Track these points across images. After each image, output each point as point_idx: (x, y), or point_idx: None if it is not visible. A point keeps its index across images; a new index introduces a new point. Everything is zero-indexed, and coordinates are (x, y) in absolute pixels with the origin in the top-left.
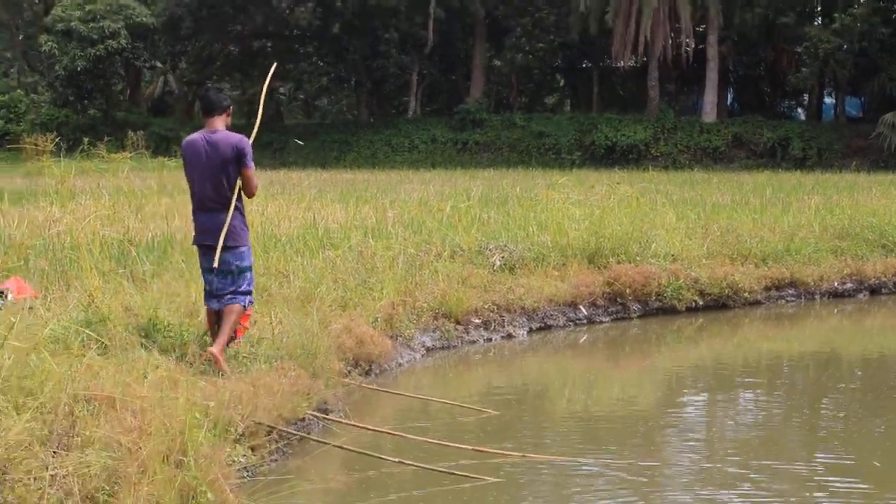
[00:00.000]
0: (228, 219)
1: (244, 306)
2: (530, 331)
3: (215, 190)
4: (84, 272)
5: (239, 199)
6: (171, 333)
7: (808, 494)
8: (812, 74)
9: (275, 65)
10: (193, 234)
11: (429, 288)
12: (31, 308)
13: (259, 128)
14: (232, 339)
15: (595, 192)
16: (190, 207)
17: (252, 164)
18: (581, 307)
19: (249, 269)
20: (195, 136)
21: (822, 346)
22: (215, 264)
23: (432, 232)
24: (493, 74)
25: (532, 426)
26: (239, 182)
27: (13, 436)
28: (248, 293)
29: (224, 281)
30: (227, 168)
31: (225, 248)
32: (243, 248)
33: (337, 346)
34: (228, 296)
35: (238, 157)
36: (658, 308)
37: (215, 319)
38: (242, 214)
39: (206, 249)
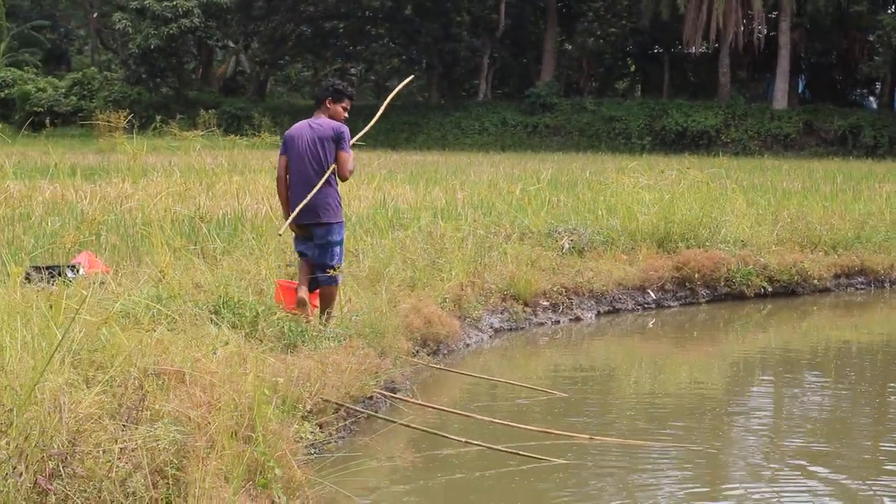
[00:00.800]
0: (314, 191)
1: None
2: (598, 314)
3: (317, 166)
4: (155, 248)
5: (333, 177)
6: (241, 310)
7: (871, 484)
8: (884, 63)
9: (411, 77)
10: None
11: (497, 269)
12: (102, 283)
13: (369, 128)
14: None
15: (665, 177)
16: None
17: (348, 149)
18: (650, 291)
19: (340, 243)
20: (302, 122)
21: (892, 334)
22: (280, 231)
23: (501, 214)
24: (564, 58)
25: (599, 409)
26: (334, 165)
27: (83, 408)
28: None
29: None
30: (325, 146)
31: (318, 224)
32: (335, 224)
33: (405, 326)
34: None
35: (336, 138)
36: (726, 294)
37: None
38: (337, 192)
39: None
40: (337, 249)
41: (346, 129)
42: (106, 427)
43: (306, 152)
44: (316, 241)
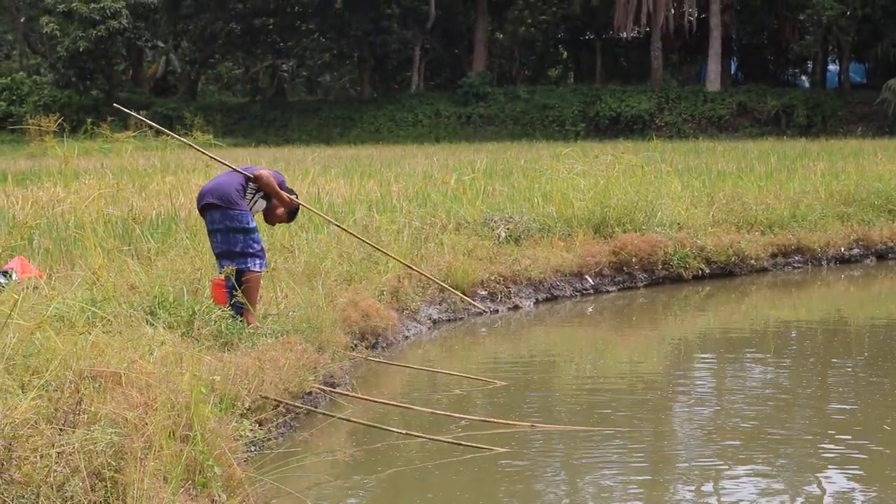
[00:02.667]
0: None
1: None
2: (537, 302)
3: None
4: (88, 251)
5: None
6: (177, 310)
7: (815, 461)
8: (815, 42)
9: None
10: None
11: (434, 260)
12: (35, 287)
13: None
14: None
15: (599, 162)
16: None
17: (275, 175)
18: (587, 277)
19: (243, 231)
20: None
21: (830, 312)
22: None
23: (437, 205)
24: (496, 48)
25: (540, 396)
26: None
27: (19, 414)
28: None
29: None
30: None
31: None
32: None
33: (343, 320)
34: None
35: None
36: (664, 277)
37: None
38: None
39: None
40: (240, 237)
41: (282, 177)
42: (42, 432)
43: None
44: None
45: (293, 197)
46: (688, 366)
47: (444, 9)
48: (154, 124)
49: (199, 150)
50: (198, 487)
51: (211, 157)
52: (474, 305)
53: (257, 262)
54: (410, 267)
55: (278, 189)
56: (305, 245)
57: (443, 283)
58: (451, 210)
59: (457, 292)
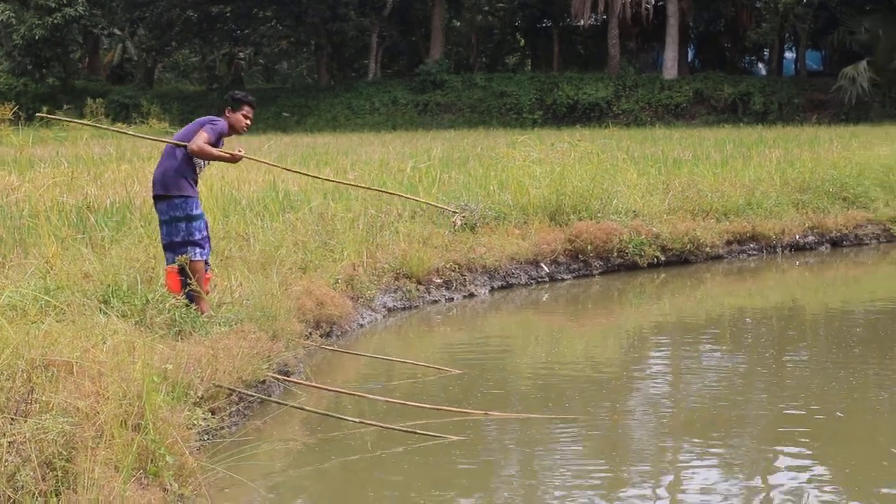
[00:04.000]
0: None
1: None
2: (492, 290)
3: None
4: (42, 239)
5: (181, 151)
6: (131, 298)
7: (770, 447)
8: (772, 29)
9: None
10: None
11: (389, 249)
12: None
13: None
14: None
15: (556, 150)
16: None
17: (210, 132)
18: (543, 265)
19: (185, 219)
20: None
21: (785, 299)
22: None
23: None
24: (453, 35)
25: (495, 384)
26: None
27: None
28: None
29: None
30: (193, 129)
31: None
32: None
33: (297, 308)
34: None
35: (204, 122)
36: (620, 264)
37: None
38: (183, 166)
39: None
40: (182, 225)
41: (219, 121)
42: None
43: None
44: (160, 216)
45: (238, 151)
46: (643, 353)
47: None
48: (68, 119)
49: (124, 133)
50: (149, 476)
51: (141, 137)
52: (443, 207)
53: (197, 251)
54: (410, 197)
55: (215, 153)
56: (260, 233)
57: (438, 205)
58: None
59: (437, 204)
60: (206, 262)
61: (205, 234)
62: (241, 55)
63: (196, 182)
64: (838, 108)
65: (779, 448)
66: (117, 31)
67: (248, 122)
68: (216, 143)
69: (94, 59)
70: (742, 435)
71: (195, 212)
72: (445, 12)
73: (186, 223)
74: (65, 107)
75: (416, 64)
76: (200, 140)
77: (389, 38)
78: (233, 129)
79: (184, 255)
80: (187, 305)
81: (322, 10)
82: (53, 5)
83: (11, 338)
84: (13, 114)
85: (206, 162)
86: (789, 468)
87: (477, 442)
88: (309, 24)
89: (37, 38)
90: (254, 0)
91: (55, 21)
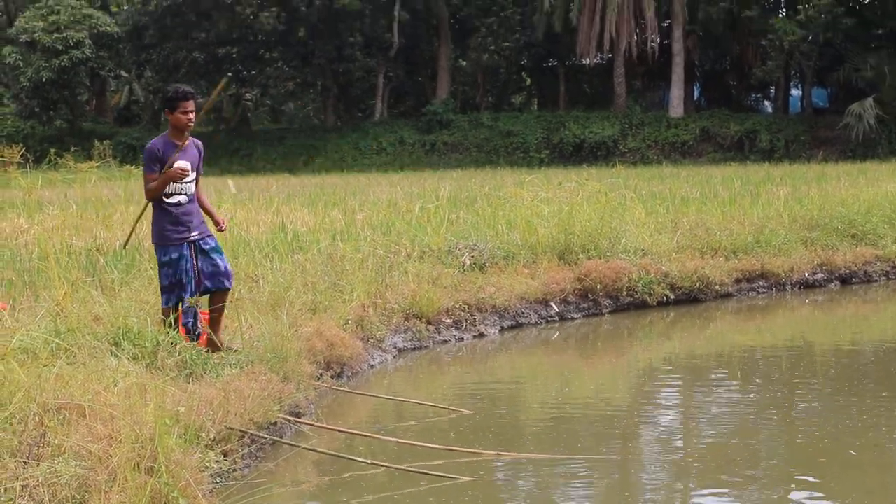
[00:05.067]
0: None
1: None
2: (502, 329)
3: None
4: (52, 282)
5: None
6: (141, 341)
7: (782, 486)
8: (778, 67)
9: (223, 82)
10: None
11: (399, 289)
12: None
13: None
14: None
15: (563, 189)
16: None
17: (145, 171)
18: (552, 304)
19: (161, 265)
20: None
21: (795, 337)
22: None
23: (401, 233)
24: (459, 75)
25: (506, 424)
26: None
27: None
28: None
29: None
30: None
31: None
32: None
33: (308, 350)
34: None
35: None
36: (629, 303)
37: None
38: (156, 212)
39: None
40: (160, 271)
41: (147, 148)
42: (6, 465)
43: None
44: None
45: (175, 166)
46: (654, 392)
47: (407, 37)
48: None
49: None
50: None
51: None
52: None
53: (164, 297)
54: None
55: (159, 186)
56: (270, 274)
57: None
58: (415, 238)
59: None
60: (185, 306)
61: (169, 281)
62: (248, 96)
63: (176, 223)
64: (845, 144)
65: (790, 487)
66: (124, 73)
67: (191, 115)
68: (162, 163)
69: (101, 101)
70: (754, 473)
71: (162, 258)
72: (451, 52)
73: (159, 270)
74: (72, 149)
75: (423, 104)
76: (145, 187)
77: (396, 78)
78: (177, 131)
79: (190, 298)
80: (195, 348)
81: (328, 50)
82: (60, 48)
83: (23, 381)
84: (21, 156)
85: (172, 191)
86: None
87: (489, 482)
88: (315, 64)
89: (44, 80)
90: (260, 41)
91: (62, 63)
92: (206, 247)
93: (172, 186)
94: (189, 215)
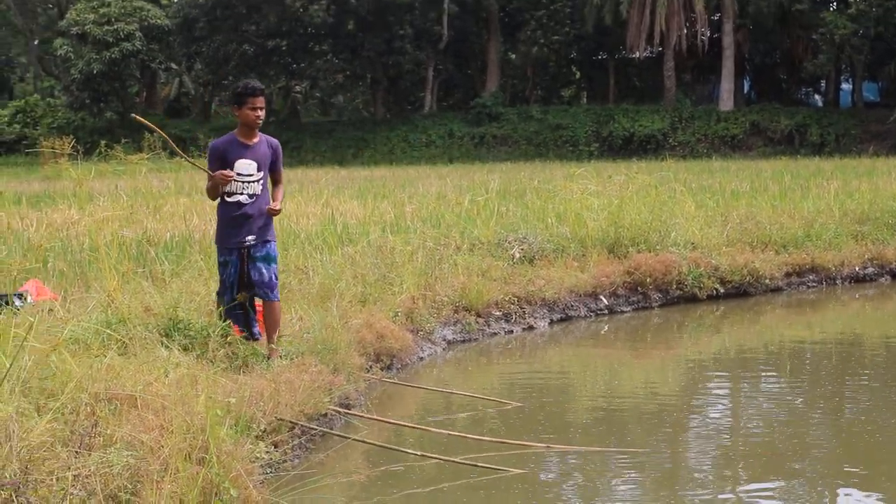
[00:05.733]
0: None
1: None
2: (551, 322)
3: None
4: (103, 273)
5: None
6: (192, 332)
7: (832, 483)
8: (828, 61)
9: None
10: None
11: (448, 281)
12: (50, 310)
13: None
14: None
15: (613, 182)
16: (214, 207)
17: (209, 171)
18: (602, 297)
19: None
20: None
21: (845, 331)
22: None
23: (451, 225)
24: (509, 68)
25: (555, 417)
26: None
27: (35, 437)
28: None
29: None
30: None
31: None
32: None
33: (357, 341)
34: None
35: None
36: (679, 296)
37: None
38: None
39: None
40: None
41: (210, 148)
42: (59, 455)
43: None
44: None
45: (236, 167)
46: (703, 386)
47: (456, 29)
48: (167, 138)
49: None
50: None
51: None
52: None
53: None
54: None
55: (211, 188)
56: (320, 266)
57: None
58: (464, 231)
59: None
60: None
61: (226, 282)
62: (298, 88)
63: (232, 226)
64: (895, 139)
65: (839, 481)
66: (174, 66)
67: (259, 112)
68: (223, 162)
69: (151, 94)
70: (802, 467)
71: (218, 257)
72: (501, 45)
73: (220, 270)
74: (122, 141)
75: (472, 97)
76: (206, 186)
77: (445, 71)
78: (246, 127)
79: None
80: (247, 339)
81: (378, 43)
82: (111, 40)
83: (75, 371)
84: (72, 148)
85: (234, 190)
86: (851, 502)
87: (538, 475)
88: (365, 57)
89: (95, 72)
90: (310, 34)
91: (113, 56)
92: (258, 254)
93: (234, 185)
94: (248, 218)
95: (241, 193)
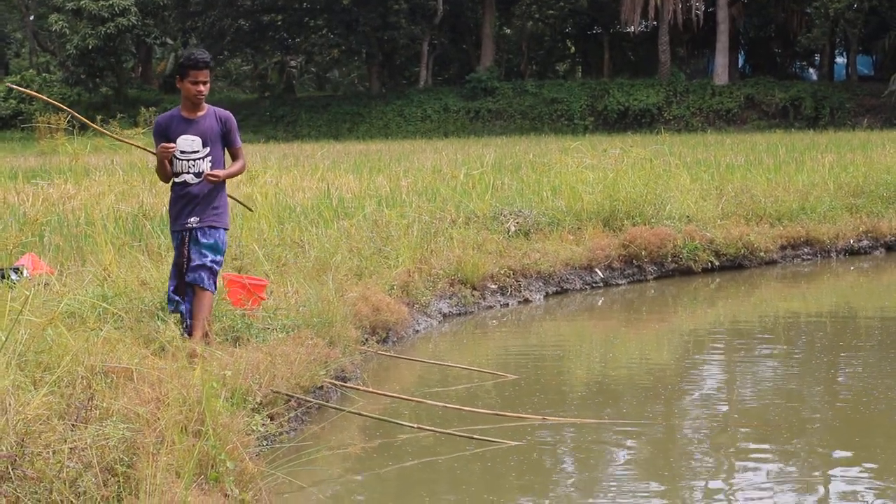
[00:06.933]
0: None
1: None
2: (547, 295)
3: None
4: (99, 247)
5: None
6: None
7: (826, 454)
8: (823, 34)
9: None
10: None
11: (444, 255)
12: (46, 284)
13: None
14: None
15: (608, 156)
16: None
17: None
18: (597, 270)
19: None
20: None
21: (840, 303)
22: None
23: (446, 199)
24: (504, 42)
25: (551, 389)
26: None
27: (31, 410)
28: None
29: None
30: None
31: None
32: None
33: (353, 315)
34: None
35: None
36: (674, 269)
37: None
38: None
39: None
40: None
41: (155, 124)
42: (55, 427)
43: None
44: None
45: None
46: (698, 358)
47: (451, 4)
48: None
49: (115, 138)
50: (210, 482)
51: (132, 144)
52: None
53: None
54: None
55: (159, 166)
56: (315, 240)
57: None
58: (460, 204)
59: None
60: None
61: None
62: (293, 63)
63: (178, 206)
64: (890, 112)
65: (834, 452)
66: (170, 41)
67: (202, 87)
68: (167, 139)
69: (146, 69)
70: (797, 439)
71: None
72: (496, 20)
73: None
74: (118, 116)
75: (467, 71)
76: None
77: (440, 46)
78: (188, 101)
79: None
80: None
81: (373, 18)
82: (106, 15)
83: (71, 345)
84: (68, 123)
85: (180, 170)
86: (845, 473)
87: (534, 447)
88: (360, 32)
89: (90, 47)
90: (305, 9)
91: (108, 31)
92: (203, 240)
93: (179, 164)
94: (192, 198)
95: (187, 172)
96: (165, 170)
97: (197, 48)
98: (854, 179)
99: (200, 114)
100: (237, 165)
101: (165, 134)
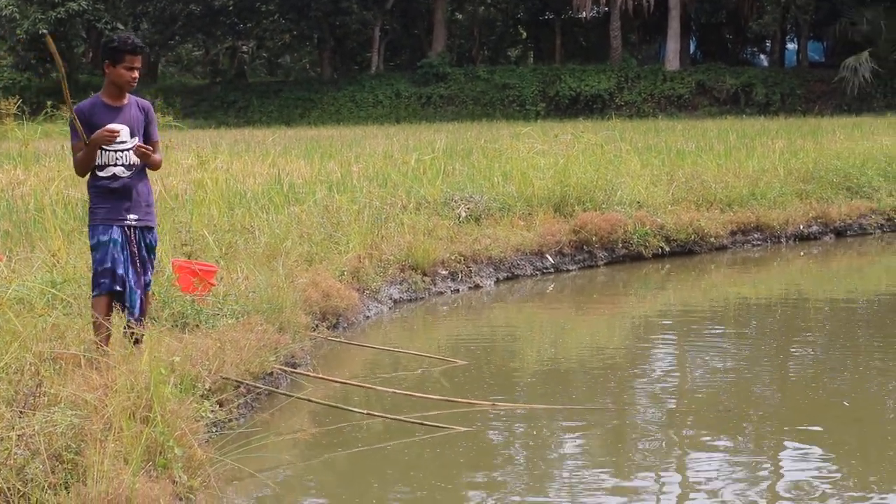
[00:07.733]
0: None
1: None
2: (497, 281)
3: None
4: (48, 233)
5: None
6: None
7: (775, 438)
8: (774, 20)
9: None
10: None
11: (395, 240)
12: None
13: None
14: None
15: (559, 142)
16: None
17: (71, 141)
18: (548, 256)
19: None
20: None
21: (790, 289)
22: None
23: (397, 185)
24: (455, 28)
25: (501, 375)
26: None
27: None
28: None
29: None
30: None
31: None
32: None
33: (303, 300)
34: None
35: None
36: (625, 255)
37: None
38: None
39: None
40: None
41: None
42: (2, 415)
43: None
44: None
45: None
46: (649, 343)
47: None
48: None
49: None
50: (158, 468)
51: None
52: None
53: (93, 287)
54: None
55: (82, 158)
56: (266, 226)
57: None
58: (411, 190)
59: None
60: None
61: (107, 266)
62: (244, 49)
63: (108, 199)
64: (840, 98)
65: (785, 438)
66: (120, 26)
67: (136, 73)
68: (91, 129)
69: (97, 54)
70: (748, 424)
71: (90, 241)
72: (447, 5)
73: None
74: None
75: (419, 57)
76: (73, 161)
77: (392, 32)
78: (115, 87)
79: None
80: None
81: (324, 3)
82: (57, 0)
83: (19, 331)
84: (17, 108)
85: (105, 162)
86: (795, 458)
87: (483, 433)
88: (311, 17)
89: (40, 32)
90: None
91: (58, 15)
92: (147, 241)
93: (105, 156)
94: (129, 191)
95: (116, 165)
96: (91, 162)
97: (125, 32)
98: (804, 165)
99: (124, 102)
100: (158, 156)
101: (90, 122)
